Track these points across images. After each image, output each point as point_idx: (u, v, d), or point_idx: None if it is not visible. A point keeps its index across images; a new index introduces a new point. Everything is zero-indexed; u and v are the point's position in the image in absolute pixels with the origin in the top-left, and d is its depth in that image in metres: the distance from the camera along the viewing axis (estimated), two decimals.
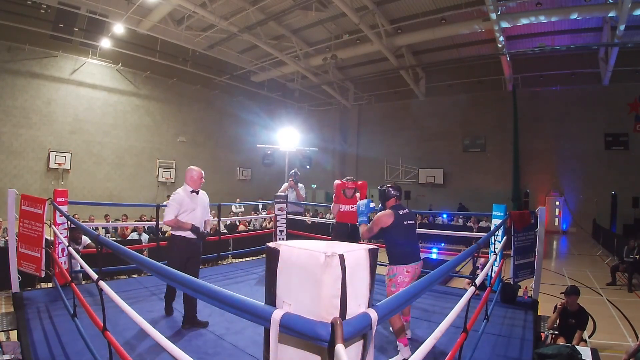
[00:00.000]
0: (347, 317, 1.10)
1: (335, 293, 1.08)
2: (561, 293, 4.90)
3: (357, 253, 1.19)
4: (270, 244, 1.25)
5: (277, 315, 1.10)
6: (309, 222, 9.30)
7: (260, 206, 14.74)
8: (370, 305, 1.22)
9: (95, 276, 2.45)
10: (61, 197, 4.48)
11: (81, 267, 2.88)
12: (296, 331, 1.07)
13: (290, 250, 1.20)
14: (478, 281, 2.58)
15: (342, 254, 1.10)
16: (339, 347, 0.93)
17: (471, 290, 2.38)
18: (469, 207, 17.74)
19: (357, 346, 1.19)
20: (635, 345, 3.91)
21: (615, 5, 11.71)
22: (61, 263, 4.28)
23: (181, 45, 16.41)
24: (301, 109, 24.51)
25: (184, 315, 3.59)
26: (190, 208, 3.74)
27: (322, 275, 1.08)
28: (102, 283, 2.30)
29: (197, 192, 3.86)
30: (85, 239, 5.99)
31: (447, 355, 2.18)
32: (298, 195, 7.10)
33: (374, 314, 1.15)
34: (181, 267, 3.48)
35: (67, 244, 3.90)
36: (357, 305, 1.16)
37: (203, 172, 3.93)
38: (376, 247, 1.29)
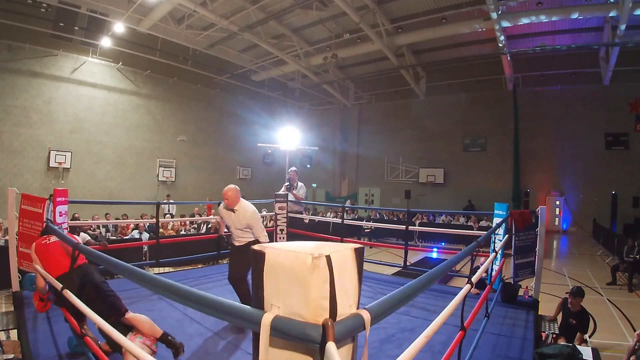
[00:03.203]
0: (338, 318, 1.09)
1: (324, 295, 1.08)
2: (566, 293, 4.90)
3: (343, 253, 1.19)
4: (256, 247, 1.24)
5: (267, 318, 1.09)
6: (307, 221, 9.31)
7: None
8: (359, 303, 1.22)
9: (59, 286, 2.48)
10: (61, 196, 4.47)
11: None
12: (287, 334, 1.07)
13: (277, 252, 1.18)
14: (475, 279, 2.57)
15: (329, 255, 1.10)
16: (330, 346, 0.93)
17: (466, 287, 2.38)
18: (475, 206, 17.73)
19: (348, 348, 1.19)
20: (634, 342, 3.90)
21: (616, 5, 11.69)
22: None
23: (182, 44, 16.39)
24: (301, 108, 24.50)
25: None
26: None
27: (310, 278, 1.07)
28: (66, 292, 2.33)
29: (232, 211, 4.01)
30: (84, 236, 5.99)
31: (445, 353, 2.18)
32: (296, 196, 7.10)
33: (366, 315, 1.14)
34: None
35: None
36: (348, 305, 1.15)
37: (226, 190, 3.96)
38: (362, 246, 1.29)
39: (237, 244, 4.06)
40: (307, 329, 1.03)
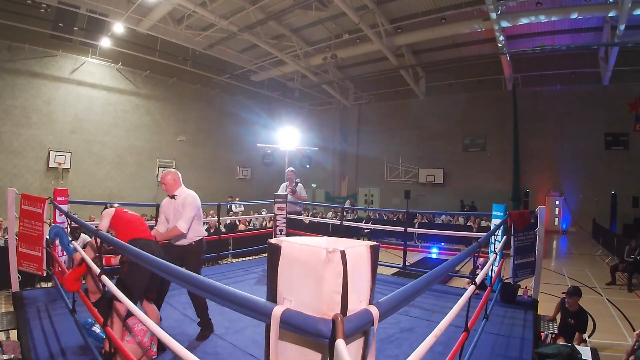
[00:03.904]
0: (349, 314, 1.10)
1: (337, 289, 1.09)
2: (563, 293, 4.90)
3: (358, 249, 1.20)
4: (272, 240, 1.26)
5: (277, 311, 1.10)
6: (307, 222, 9.31)
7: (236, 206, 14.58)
8: (372, 301, 1.23)
9: (97, 270, 2.45)
10: (61, 196, 4.48)
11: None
12: (297, 327, 1.07)
13: (292, 246, 1.20)
14: (478, 280, 2.58)
15: (344, 250, 1.11)
16: (340, 343, 0.94)
17: (471, 289, 2.38)
18: (469, 206, 17.72)
19: (358, 343, 1.20)
20: (633, 341, 3.90)
21: (615, 5, 11.70)
22: (61, 262, 4.28)
23: (181, 44, 16.39)
24: (301, 109, 24.50)
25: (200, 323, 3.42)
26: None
27: (324, 271, 1.08)
28: (104, 278, 2.30)
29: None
30: (85, 238, 5.99)
31: (449, 355, 2.18)
32: (300, 198, 7.09)
33: (375, 311, 1.15)
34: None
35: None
36: (359, 301, 1.16)
37: (164, 175, 3.65)
38: (377, 244, 1.30)
39: (179, 243, 3.50)
40: (317, 323, 1.04)
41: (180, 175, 3.68)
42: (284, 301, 1.17)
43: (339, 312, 1.06)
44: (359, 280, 1.17)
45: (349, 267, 1.11)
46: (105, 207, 3.21)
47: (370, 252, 1.24)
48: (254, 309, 1.21)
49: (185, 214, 3.44)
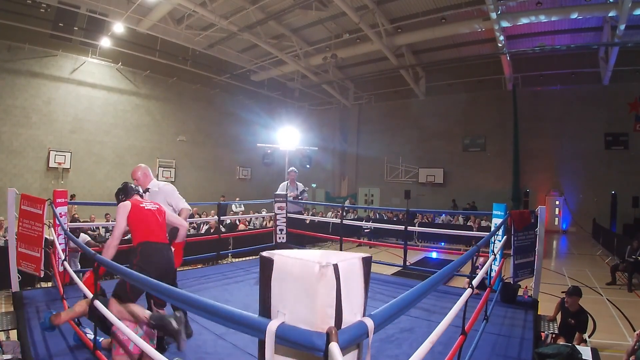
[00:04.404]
0: (343, 326, 1.10)
1: (330, 303, 1.09)
2: (562, 292, 4.90)
3: (350, 262, 1.21)
4: (265, 253, 1.25)
5: (272, 326, 1.10)
6: (308, 221, 9.31)
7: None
8: (365, 313, 1.23)
9: (90, 295, 2.44)
10: (60, 197, 4.46)
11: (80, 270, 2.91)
12: (292, 342, 1.07)
13: (285, 260, 1.20)
14: (475, 282, 2.58)
15: (337, 264, 1.11)
16: (332, 346, 0.94)
17: (468, 291, 2.38)
18: (465, 207, 17.71)
19: (353, 355, 1.20)
20: (633, 341, 3.90)
21: (615, 5, 11.70)
22: (60, 263, 4.27)
23: (181, 44, 16.40)
24: (301, 108, 24.50)
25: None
26: None
27: (317, 285, 1.08)
28: (97, 302, 2.28)
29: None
30: (84, 238, 6.00)
31: (446, 357, 2.18)
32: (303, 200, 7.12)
33: (370, 322, 1.15)
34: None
35: (66, 245, 3.90)
36: (353, 314, 1.17)
37: (134, 171, 3.73)
38: (369, 255, 1.31)
39: None
40: (312, 337, 1.04)
41: (150, 170, 3.75)
42: (278, 314, 1.17)
43: (333, 325, 1.07)
44: (352, 292, 1.17)
45: (342, 280, 1.11)
46: (120, 194, 3.20)
47: (362, 264, 1.25)
48: (249, 325, 1.21)
49: (177, 199, 3.67)
